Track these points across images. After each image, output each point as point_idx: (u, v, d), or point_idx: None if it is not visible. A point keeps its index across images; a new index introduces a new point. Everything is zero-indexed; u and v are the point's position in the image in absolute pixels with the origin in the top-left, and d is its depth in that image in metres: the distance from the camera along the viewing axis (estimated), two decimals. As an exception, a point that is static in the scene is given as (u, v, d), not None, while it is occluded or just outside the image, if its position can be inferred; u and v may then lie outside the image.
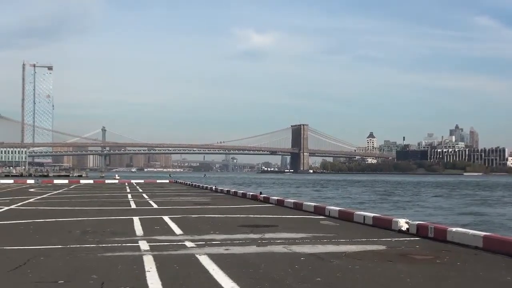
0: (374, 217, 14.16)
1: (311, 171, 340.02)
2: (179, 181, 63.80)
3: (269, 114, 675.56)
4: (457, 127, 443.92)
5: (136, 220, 15.57)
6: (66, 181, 64.36)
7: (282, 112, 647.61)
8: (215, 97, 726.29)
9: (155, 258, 8.87)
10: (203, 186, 44.42)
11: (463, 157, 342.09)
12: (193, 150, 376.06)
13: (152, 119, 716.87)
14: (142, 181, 65.69)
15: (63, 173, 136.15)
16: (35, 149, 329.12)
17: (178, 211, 19.20)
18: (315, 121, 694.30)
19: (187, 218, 16.47)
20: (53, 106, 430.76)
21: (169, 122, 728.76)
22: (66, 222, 15.41)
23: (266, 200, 24.30)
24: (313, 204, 19.10)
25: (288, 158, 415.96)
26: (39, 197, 29.13)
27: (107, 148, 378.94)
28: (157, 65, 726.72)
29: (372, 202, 45.58)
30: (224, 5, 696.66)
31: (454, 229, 10.91)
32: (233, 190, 33.11)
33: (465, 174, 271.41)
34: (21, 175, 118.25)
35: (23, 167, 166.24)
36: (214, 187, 39.06)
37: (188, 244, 10.63)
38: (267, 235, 11.95)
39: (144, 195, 31.89)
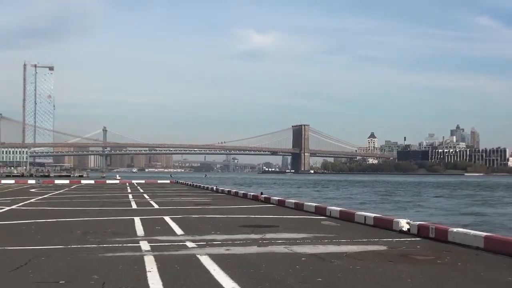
0: (375, 218, 14.16)
1: (312, 171, 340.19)
2: (180, 181, 63.80)
3: (269, 114, 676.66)
4: (458, 127, 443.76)
5: (137, 220, 15.58)
6: (67, 181, 64.40)
7: (282, 112, 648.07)
8: (215, 97, 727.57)
9: (156, 258, 8.87)
10: (204, 186, 44.42)
11: (464, 158, 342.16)
12: (194, 150, 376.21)
13: (152, 119, 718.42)
14: (143, 181, 65.67)
15: (64, 174, 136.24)
16: (36, 149, 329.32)
17: (179, 211, 19.21)
18: (316, 121, 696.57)
19: (188, 218, 16.48)
20: (54, 106, 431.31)
21: (169, 122, 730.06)
22: (67, 222, 15.42)
23: (267, 200, 24.29)
24: (314, 204, 19.09)
25: (289, 158, 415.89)
26: (40, 197, 29.15)
27: (108, 149, 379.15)
28: (157, 65, 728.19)
29: (373, 202, 45.55)
30: (224, 5, 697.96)
31: (455, 229, 10.90)
32: (234, 191, 33.11)
33: (466, 174, 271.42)
34: (22, 175, 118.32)
35: (24, 167, 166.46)
36: (215, 188, 39.06)
37: (189, 244, 10.63)
38: (268, 236, 11.95)
39: (145, 195, 31.89)
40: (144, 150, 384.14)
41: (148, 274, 7.52)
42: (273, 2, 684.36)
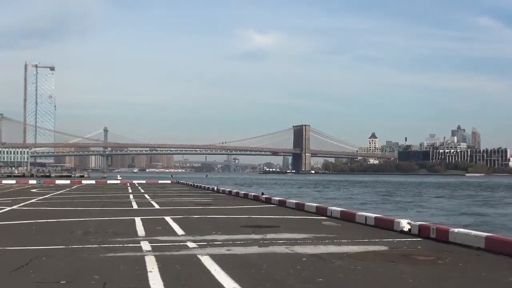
0: (376, 218, 14.16)
1: (313, 171, 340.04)
2: (181, 181, 63.82)
3: (269, 114, 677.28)
4: (459, 127, 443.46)
5: (138, 220, 15.59)
6: (68, 182, 64.46)
7: (282, 112, 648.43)
8: (215, 97, 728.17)
9: (157, 258, 8.87)
10: (205, 186, 44.44)
11: (465, 158, 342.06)
12: (195, 150, 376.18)
13: (152, 119, 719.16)
14: (144, 181, 65.70)
15: (65, 174, 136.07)
16: (37, 149, 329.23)
17: (180, 211, 19.22)
18: (316, 121, 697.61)
19: (189, 218, 16.48)
20: (55, 106, 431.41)
21: (169, 122, 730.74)
22: (68, 222, 15.43)
23: (268, 200, 24.30)
24: (315, 204, 19.09)
25: (290, 158, 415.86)
26: (41, 197, 29.17)
27: (109, 149, 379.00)
28: (157, 65, 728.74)
29: (374, 202, 45.52)
30: (224, 5, 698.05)
31: (456, 229, 10.90)
32: (235, 191, 33.12)
33: (467, 175, 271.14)
34: (23, 176, 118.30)
35: (25, 168, 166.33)
36: (216, 188, 39.07)
37: (190, 244, 10.63)
38: (269, 236, 11.95)
39: (146, 195, 31.91)
40: (145, 150, 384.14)
41: (149, 274, 7.52)
42: (273, 2, 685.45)
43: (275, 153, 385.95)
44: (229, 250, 9.89)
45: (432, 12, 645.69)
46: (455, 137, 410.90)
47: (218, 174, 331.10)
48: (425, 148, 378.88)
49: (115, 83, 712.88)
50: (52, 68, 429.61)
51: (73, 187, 46.34)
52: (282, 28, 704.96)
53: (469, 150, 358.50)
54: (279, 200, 23.16)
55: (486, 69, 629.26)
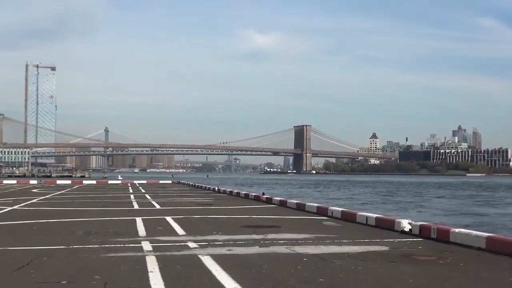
0: (376, 218, 14.15)
1: (314, 171, 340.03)
2: (182, 181, 63.83)
3: (269, 114, 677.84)
4: (460, 127, 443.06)
5: (139, 220, 15.59)
6: (69, 182, 64.47)
7: (282, 112, 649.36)
8: (215, 97, 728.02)
9: (158, 258, 8.88)
10: (205, 186, 44.44)
11: (466, 158, 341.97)
12: (196, 150, 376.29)
13: (152, 119, 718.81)
14: (145, 181, 65.71)
15: (66, 174, 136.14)
16: (38, 149, 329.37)
17: (181, 211, 19.22)
18: (316, 121, 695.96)
19: (190, 218, 16.48)
20: (56, 106, 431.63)
21: (169, 122, 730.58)
22: (69, 222, 15.44)
23: (269, 200, 24.30)
24: (315, 204, 19.09)
25: (291, 158, 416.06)
26: (42, 197, 29.19)
27: (110, 149, 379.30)
28: (157, 65, 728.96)
29: (374, 203, 45.52)
30: (224, 5, 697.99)
31: (457, 230, 10.89)
32: (236, 191, 33.12)
33: (468, 175, 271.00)
34: (24, 176, 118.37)
35: (26, 168, 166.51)
36: (216, 188, 39.06)
37: (191, 244, 10.63)
38: (270, 236, 11.96)
39: (147, 195, 31.92)
40: (146, 151, 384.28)
41: (150, 275, 7.53)
42: (273, 2, 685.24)
43: (276, 153, 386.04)
44: (230, 250, 9.89)
45: (432, 12, 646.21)
46: (456, 137, 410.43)
47: (219, 174, 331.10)
48: (426, 148, 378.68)
49: (115, 83, 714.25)
50: (53, 68, 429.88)
51: (74, 187, 46.36)
52: (282, 28, 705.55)
53: (470, 150, 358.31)
54: (280, 200, 23.16)
55: (486, 69, 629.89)
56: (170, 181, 67.63)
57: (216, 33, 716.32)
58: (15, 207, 21.59)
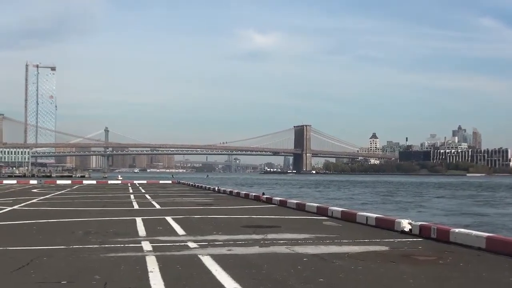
0: (376, 218, 14.15)
1: (314, 171, 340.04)
2: (182, 181, 63.84)
3: (269, 114, 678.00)
4: (460, 127, 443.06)
5: (139, 220, 15.59)
6: (69, 182, 64.47)
7: (282, 112, 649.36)
8: (215, 97, 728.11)
9: (158, 258, 8.88)
10: (205, 186, 44.44)
11: (466, 158, 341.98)
12: (196, 150, 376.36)
13: (152, 119, 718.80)
14: (145, 181, 65.71)
15: (66, 174, 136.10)
16: (38, 149, 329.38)
17: (181, 211, 19.22)
18: (316, 121, 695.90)
19: (190, 218, 16.48)
20: (56, 106, 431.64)
21: (169, 122, 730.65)
22: (69, 222, 15.44)
23: (269, 200, 24.30)
24: (315, 204, 19.09)
25: (291, 158, 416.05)
26: (42, 197, 29.19)
27: (110, 149, 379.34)
28: (157, 65, 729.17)
29: (374, 203, 45.52)
30: (224, 5, 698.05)
31: (457, 230, 10.89)
32: (236, 191, 33.12)
33: (468, 175, 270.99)
34: (24, 176, 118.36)
35: (26, 168, 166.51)
36: (216, 188, 39.06)
37: (191, 244, 10.63)
38: (270, 236, 11.96)
39: (147, 195, 31.92)
40: (146, 151, 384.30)
41: (150, 275, 7.53)
42: (273, 2, 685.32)
43: (276, 153, 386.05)
44: (230, 250, 9.89)
45: (432, 12, 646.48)
46: (456, 137, 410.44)
47: (219, 174, 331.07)
48: (426, 148, 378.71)
49: (115, 83, 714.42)
50: (53, 68, 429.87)
51: (74, 187, 46.36)
52: (282, 28, 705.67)
53: (470, 150, 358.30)
54: (280, 200, 23.16)
55: (486, 69, 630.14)
56: (170, 181, 67.62)
57: (216, 33, 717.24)
58: (15, 207, 21.59)
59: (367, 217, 14.53)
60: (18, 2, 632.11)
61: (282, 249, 10.02)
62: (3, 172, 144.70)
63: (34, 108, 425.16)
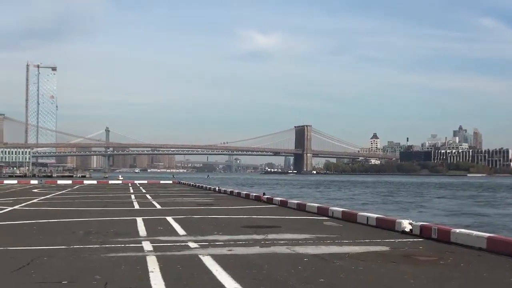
0: (377, 218, 14.15)
1: (315, 172, 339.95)
2: (182, 181, 63.85)
3: (270, 114, 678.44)
4: (460, 128, 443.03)
5: (139, 220, 15.60)
6: (69, 182, 64.48)
7: (282, 113, 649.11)
8: (215, 97, 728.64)
9: (159, 258, 8.88)
10: (206, 187, 44.45)
11: (467, 158, 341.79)
12: (197, 151, 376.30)
13: (152, 119, 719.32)
14: (146, 181, 65.73)
15: (67, 174, 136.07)
16: (39, 149, 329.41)
17: (182, 211, 19.23)
18: (316, 122, 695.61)
19: (191, 218, 16.49)
20: (56, 106, 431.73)
21: (169, 122, 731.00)
22: (70, 222, 15.44)
23: (270, 201, 24.30)
24: (316, 205, 19.09)
25: (292, 159, 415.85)
26: (42, 197, 29.20)
27: (111, 149, 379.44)
28: (157, 65, 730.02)
29: (375, 203, 45.50)
30: (224, 6, 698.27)
31: (457, 230, 10.88)
32: (236, 191, 33.12)
33: (468, 175, 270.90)
34: (25, 176, 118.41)
35: (27, 168, 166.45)
36: (217, 188, 39.06)
37: (192, 244, 10.63)
38: (270, 236, 11.95)
39: (148, 195, 31.92)
40: (147, 151, 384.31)
41: (151, 275, 7.53)
42: (273, 2, 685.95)
43: (276, 153, 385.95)
44: (231, 250, 9.88)
45: (432, 12, 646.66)
46: (457, 138, 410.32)
47: (219, 175, 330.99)
48: (427, 148, 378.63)
49: (116, 83, 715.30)
50: (53, 68, 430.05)
51: (75, 187, 46.38)
52: (282, 28, 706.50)
53: (470, 150, 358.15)
54: (280, 200, 23.15)
55: (486, 69, 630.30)
56: (170, 181, 67.64)
57: (216, 33, 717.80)
58: (16, 207, 21.60)
59: (367, 218, 14.52)
60: (18, 2, 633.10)
61: (283, 249, 10.02)
62: (4, 172, 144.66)
63: (35, 108, 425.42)
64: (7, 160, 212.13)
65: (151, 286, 6.88)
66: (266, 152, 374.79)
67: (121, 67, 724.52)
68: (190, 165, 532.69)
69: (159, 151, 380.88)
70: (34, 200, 26.26)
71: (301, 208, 19.87)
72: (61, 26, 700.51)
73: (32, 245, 10.49)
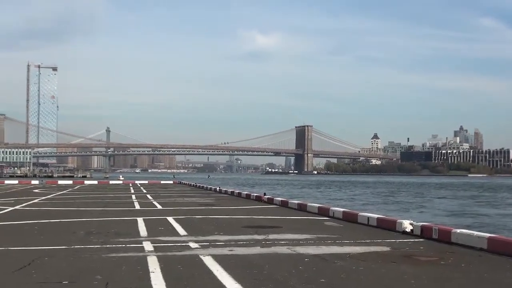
0: (378, 218, 14.14)
1: (315, 172, 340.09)
2: (183, 182, 63.86)
3: (270, 115, 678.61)
4: (461, 128, 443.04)
5: (140, 221, 15.60)
6: (70, 182, 64.51)
7: (282, 113, 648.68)
8: (215, 97, 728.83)
9: (159, 259, 8.88)
10: (207, 187, 44.44)
11: (468, 159, 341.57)
12: (197, 151, 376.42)
13: (152, 119, 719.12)
14: (146, 182, 65.75)
15: (68, 174, 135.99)
16: (40, 149, 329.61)
17: (182, 212, 19.23)
18: (316, 122, 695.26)
19: (191, 219, 16.49)
20: (57, 107, 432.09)
21: (169, 122, 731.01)
22: (71, 222, 15.45)
23: (270, 201, 24.29)
24: (317, 205, 19.09)
25: (292, 159, 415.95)
26: (43, 197, 29.22)
27: (111, 149, 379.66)
28: (157, 65, 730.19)
29: (376, 203, 45.48)
30: (224, 6, 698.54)
31: (458, 230, 10.88)
32: (237, 191, 33.11)
33: (469, 175, 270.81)
34: (26, 176, 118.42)
35: (28, 168, 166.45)
36: (218, 188, 39.06)
37: (192, 245, 10.64)
38: (271, 236, 11.95)
39: (148, 196, 31.93)
40: (147, 151, 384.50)
41: (151, 275, 7.53)
42: (272, 2, 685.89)
43: (277, 153, 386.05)
44: (231, 250, 9.89)
45: (432, 12, 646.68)
46: (458, 138, 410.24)
47: (220, 175, 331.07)
48: (428, 148, 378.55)
49: (116, 83, 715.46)
50: (54, 69, 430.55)
51: (76, 188, 46.40)
52: (282, 28, 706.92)
53: (471, 150, 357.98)
54: (281, 200, 23.15)
55: (486, 69, 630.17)
56: (171, 182, 67.64)
57: (216, 33, 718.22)
58: (17, 207, 21.61)
59: (368, 218, 14.52)
60: (19, 2, 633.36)
61: (284, 250, 10.02)
62: (5, 172, 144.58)
63: (36, 109, 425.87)
64: (8, 160, 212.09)
65: (152, 286, 6.88)
66: (266, 152, 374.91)
67: (121, 67, 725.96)
68: (190, 165, 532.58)
69: (159, 151, 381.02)
70: (35, 200, 26.28)
71: (302, 208, 19.87)
72: (61, 26, 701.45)
73: (33, 245, 10.49)
